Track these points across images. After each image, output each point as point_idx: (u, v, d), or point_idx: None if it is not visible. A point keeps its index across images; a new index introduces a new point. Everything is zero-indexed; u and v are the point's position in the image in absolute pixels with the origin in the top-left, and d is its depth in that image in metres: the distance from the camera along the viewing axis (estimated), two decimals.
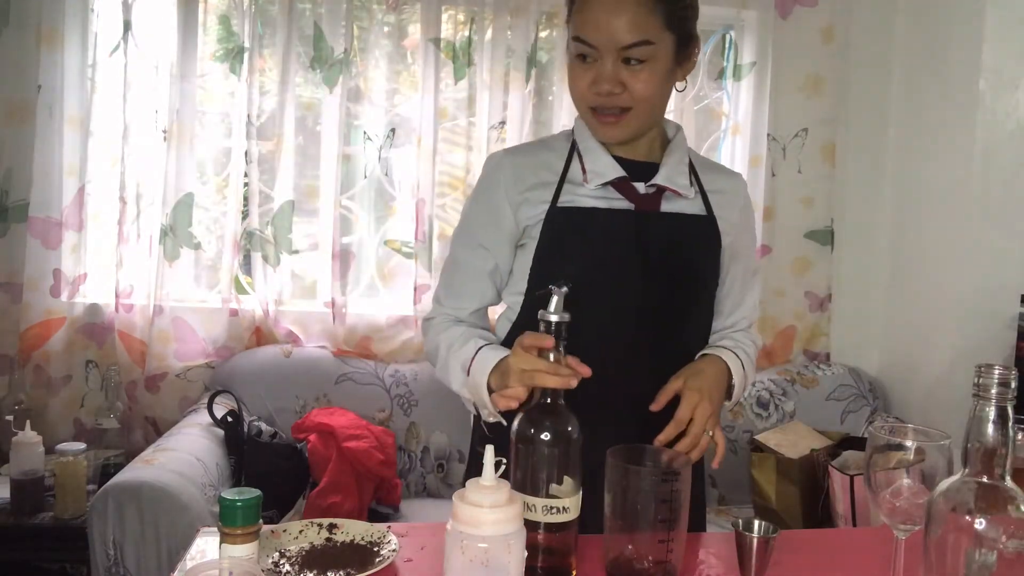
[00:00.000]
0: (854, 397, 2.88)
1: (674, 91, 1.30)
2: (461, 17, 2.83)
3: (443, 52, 2.78)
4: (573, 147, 1.31)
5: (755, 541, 1.04)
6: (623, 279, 1.25)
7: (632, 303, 1.26)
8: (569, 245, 1.26)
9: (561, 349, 1.03)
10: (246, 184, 2.76)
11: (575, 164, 1.29)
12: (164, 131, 2.68)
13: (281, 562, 1.05)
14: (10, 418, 2.40)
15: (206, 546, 1.10)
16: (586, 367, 1.03)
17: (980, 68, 2.50)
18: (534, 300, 1.16)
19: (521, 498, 0.94)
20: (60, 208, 2.65)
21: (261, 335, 2.80)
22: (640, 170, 1.28)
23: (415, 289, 2.80)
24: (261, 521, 0.95)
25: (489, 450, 0.90)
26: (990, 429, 0.81)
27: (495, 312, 1.40)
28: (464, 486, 0.91)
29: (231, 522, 0.91)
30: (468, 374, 1.20)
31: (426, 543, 1.14)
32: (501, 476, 0.90)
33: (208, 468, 2.22)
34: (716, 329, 1.40)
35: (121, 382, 2.69)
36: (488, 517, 0.86)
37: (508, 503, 0.88)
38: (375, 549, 1.10)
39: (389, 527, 1.16)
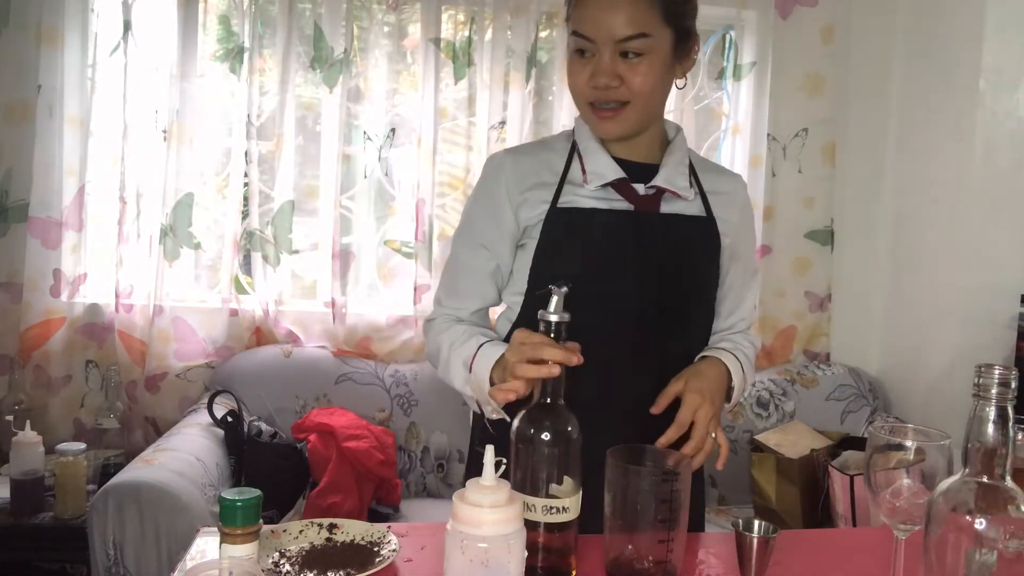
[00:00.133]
0: (854, 397, 2.88)
1: (674, 90, 1.30)
2: (461, 17, 2.83)
3: (443, 52, 2.78)
4: (573, 147, 1.31)
5: (755, 541, 1.04)
6: (622, 280, 1.25)
7: (631, 304, 1.26)
8: (569, 245, 1.25)
9: None
10: (246, 184, 2.76)
11: (575, 164, 1.29)
12: (164, 131, 2.68)
13: (281, 562, 1.05)
14: (10, 418, 2.39)
15: (206, 546, 1.10)
16: (579, 355, 1.02)
17: (980, 68, 2.50)
18: (534, 300, 1.16)
19: (521, 498, 0.94)
20: (60, 208, 2.65)
21: (261, 335, 2.80)
22: (640, 171, 1.28)
23: (415, 289, 2.80)
24: (261, 521, 0.95)
25: (489, 450, 0.90)
26: (990, 429, 0.81)
27: (495, 312, 1.40)
28: (464, 486, 0.91)
29: (231, 522, 0.91)
30: (471, 371, 1.19)
31: (426, 543, 1.14)
32: (501, 476, 0.90)
33: (208, 468, 2.22)
34: (715, 331, 1.40)
35: (121, 382, 2.69)
36: (488, 517, 0.86)
37: (508, 503, 0.88)
38: (375, 549, 1.10)
39: (389, 527, 1.16)
